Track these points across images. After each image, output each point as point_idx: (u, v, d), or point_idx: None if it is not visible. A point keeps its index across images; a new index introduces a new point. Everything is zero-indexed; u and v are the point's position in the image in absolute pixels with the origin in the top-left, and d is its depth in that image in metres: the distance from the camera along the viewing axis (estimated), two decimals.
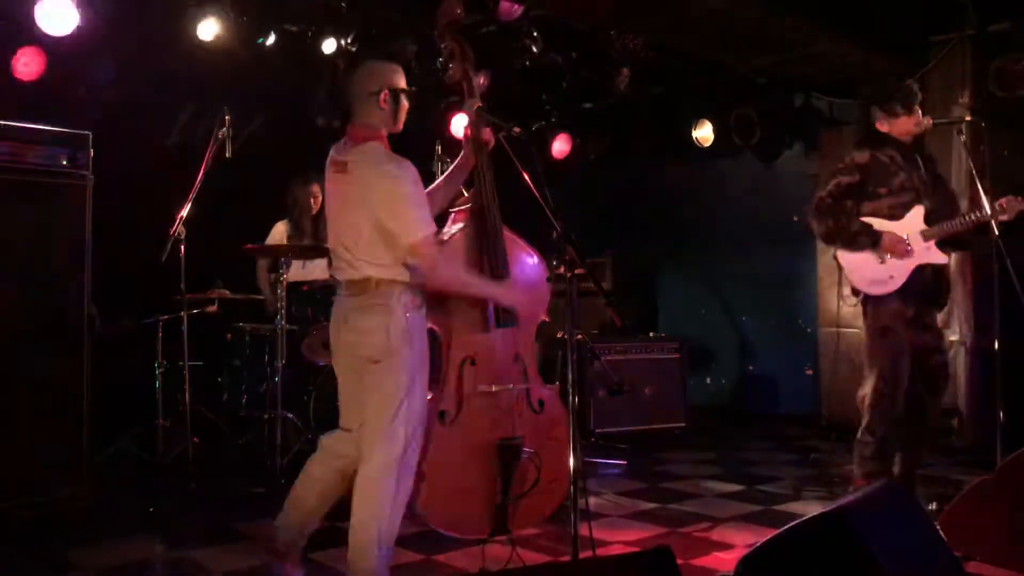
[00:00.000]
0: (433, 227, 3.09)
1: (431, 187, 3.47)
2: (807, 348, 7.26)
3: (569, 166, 8.06)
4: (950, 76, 6.53)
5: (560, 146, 7.84)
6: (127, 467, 5.12)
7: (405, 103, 3.24)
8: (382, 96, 3.17)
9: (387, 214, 3.04)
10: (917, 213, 4.44)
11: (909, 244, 4.40)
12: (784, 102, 7.29)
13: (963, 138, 4.65)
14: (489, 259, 3.53)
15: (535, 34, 5.79)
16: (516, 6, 5.41)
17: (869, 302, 4.50)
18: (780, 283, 7.40)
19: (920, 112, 4.53)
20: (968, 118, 4.68)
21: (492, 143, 3.56)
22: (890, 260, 4.42)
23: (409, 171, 3.08)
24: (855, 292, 4.58)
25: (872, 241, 4.43)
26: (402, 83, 3.24)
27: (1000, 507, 3.53)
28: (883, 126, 4.56)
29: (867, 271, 4.47)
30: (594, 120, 8.09)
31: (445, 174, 3.59)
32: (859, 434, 4.53)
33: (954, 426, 6.37)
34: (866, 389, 4.51)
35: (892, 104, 4.52)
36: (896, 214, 4.45)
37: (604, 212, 8.65)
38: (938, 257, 4.44)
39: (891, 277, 4.43)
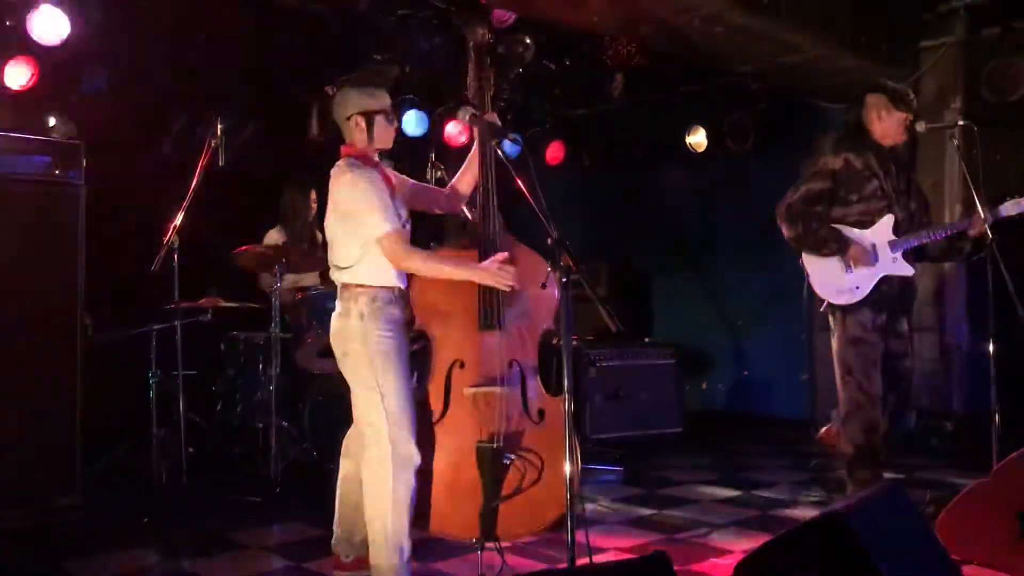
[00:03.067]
0: (392, 225, 3.26)
1: (455, 177, 3.76)
2: (802, 353, 7.26)
3: (563, 172, 8.07)
4: (942, 81, 6.56)
5: (554, 153, 7.84)
6: (121, 477, 5.09)
7: (382, 123, 3.42)
8: (353, 121, 3.38)
9: (350, 218, 3.30)
10: (887, 223, 4.43)
11: (876, 255, 4.41)
12: (777, 107, 7.32)
13: (956, 143, 4.67)
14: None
15: (528, 40, 5.80)
16: (509, 13, 5.42)
17: (839, 311, 4.49)
18: (775, 288, 7.40)
19: (910, 118, 4.52)
20: (961, 122, 4.70)
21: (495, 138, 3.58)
22: (855, 270, 4.43)
23: (367, 176, 3.29)
24: (820, 301, 4.59)
25: (840, 249, 4.42)
26: (376, 105, 3.40)
27: (996, 510, 3.53)
28: (871, 122, 4.54)
29: (832, 281, 4.46)
30: (588, 126, 8.10)
31: (464, 166, 3.74)
32: (842, 445, 4.55)
33: (949, 429, 6.39)
34: (841, 399, 4.52)
35: (893, 95, 4.51)
36: (866, 221, 4.45)
37: (598, 218, 8.66)
38: (904, 269, 4.43)
39: (856, 287, 4.42)
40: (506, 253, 3.41)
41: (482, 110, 3.65)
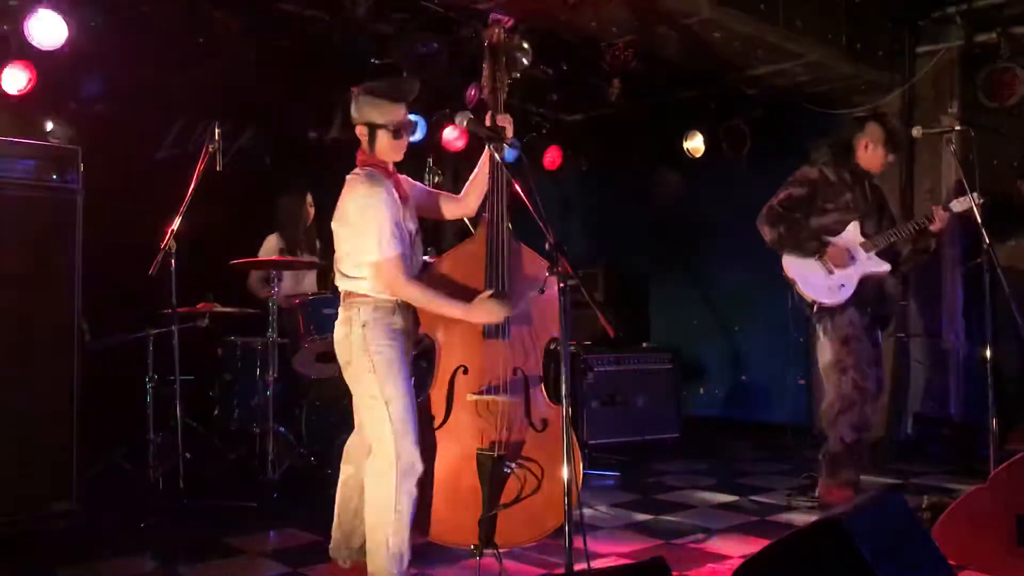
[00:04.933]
0: (395, 250, 3.25)
1: (466, 184, 3.70)
2: (799, 358, 7.27)
3: (561, 177, 8.08)
4: (939, 86, 6.58)
5: (551, 157, 7.85)
6: (118, 482, 5.08)
7: (384, 137, 3.37)
8: (358, 130, 3.39)
9: (355, 233, 3.29)
10: (854, 227, 4.64)
11: (853, 257, 4.53)
12: (774, 113, 7.33)
13: (952, 148, 4.70)
14: (490, 271, 3.52)
15: (525, 46, 5.80)
16: (506, 18, 5.42)
17: (827, 314, 4.63)
18: (772, 293, 7.41)
19: (891, 159, 4.78)
20: (957, 128, 4.76)
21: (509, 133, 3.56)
22: (836, 270, 4.57)
23: (379, 195, 3.26)
24: (815, 307, 4.65)
25: (818, 249, 4.60)
26: (380, 119, 3.35)
27: (994, 516, 3.53)
28: (859, 147, 4.72)
29: (818, 281, 4.63)
30: (585, 132, 8.11)
31: (475, 172, 3.68)
32: (829, 444, 4.61)
33: (947, 435, 6.39)
34: (831, 398, 4.60)
35: (889, 134, 4.67)
36: (839, 231, 4.65)
37: (595, 223, 8.66)
38: (881, 265, 4.64)
39: (842, 286, 4.62)
40: (483, 301, 3.40)
41: (495, 110, 3.64)
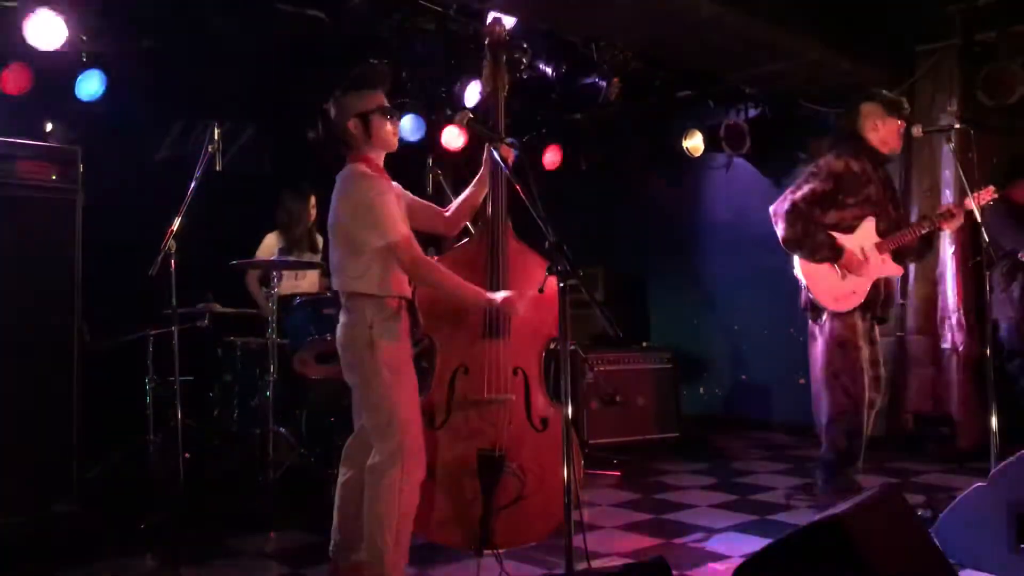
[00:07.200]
0: (402, 233, 3.23)
1: (464, 191, 3.68)
2: (799, 357, 7.26)
3: (560, 177, 8.07)
4: (938, 85, 6.57)
5: (551, 157, 7.85)
6: (117, 483, 5.07)
7: (379, 121, 3.35)
8: (352, 125, 3.33)
9: (360, 226, 3.23)
10: (869, 225, 4.51)
11: (867, 261, 4.46)
12: (773, 112, 7.33)
13: (952, 146, 4.68)
14: (491, 271, 3.52)
15: (524, 46, 5.80)
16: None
17: (829, 317, 4.55)
18: (772, 292, 7.42)
19: (904, 124, 4.60)
20: (957, 126, 4.73)
21: (511, 159, 3.57)
22: (850, 276, 4.47)
23: (375, 186, 3.26)
24: (812, 307, 4.61)
25: (833, 256, 4.48)
26: (369, 105, 3.34)
27: (994, 514, 3.53)
28: (868, 131, 4.59)
29: (831, 287, 4.53)
30: (585, 131, 8.11)
31: (476, 178, 3.67)
32: (824, 451, 4.58)
33: (947, 433, 6.39)
34: (825, 403, 4.56)
35: (888, 104, 4.58)
36: (855, 226, 4.52)
37: (595, 222, 8.66)
38: (894, 269, 4.55)
39: (853, 292, 4.51)
40: (512, 293, 3.40)
41: (496, 111, 3.63)
